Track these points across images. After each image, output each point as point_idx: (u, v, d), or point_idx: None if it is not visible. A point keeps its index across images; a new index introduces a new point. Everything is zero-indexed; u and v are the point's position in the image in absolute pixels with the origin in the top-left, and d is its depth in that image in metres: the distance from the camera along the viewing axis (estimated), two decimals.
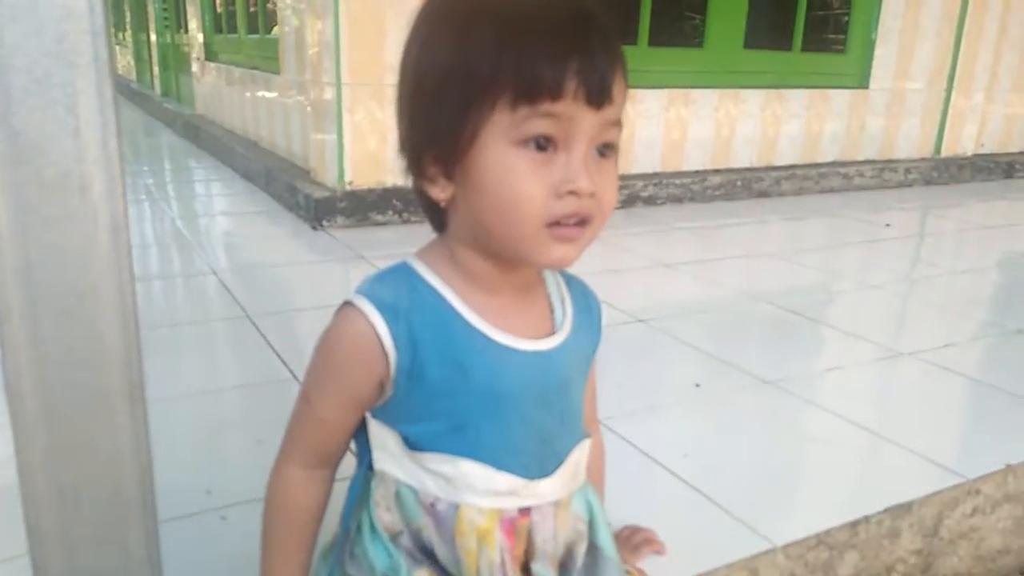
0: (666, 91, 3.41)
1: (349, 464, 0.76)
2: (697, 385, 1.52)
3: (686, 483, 1.16)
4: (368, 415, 0.70)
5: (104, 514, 0.76)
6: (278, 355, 1.60)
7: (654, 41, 3.43)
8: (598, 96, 0.59)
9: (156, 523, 0.81)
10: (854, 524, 1.08)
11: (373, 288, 0.66)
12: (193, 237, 2.62)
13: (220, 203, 3.34)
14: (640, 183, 3.28)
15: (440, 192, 0.64)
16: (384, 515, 0.70)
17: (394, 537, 0.70)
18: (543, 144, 0.59)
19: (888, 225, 3.12)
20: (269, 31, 3.86)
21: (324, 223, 2.67)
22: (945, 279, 2.41)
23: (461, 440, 0.67)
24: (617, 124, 0.63)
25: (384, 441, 0.69)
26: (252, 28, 4.22)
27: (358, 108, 2.70)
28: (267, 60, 3.72)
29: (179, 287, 2.13)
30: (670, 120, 3.46)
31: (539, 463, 0.70)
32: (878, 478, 1.22)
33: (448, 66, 0.60)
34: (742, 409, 1.44)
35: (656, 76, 3.41)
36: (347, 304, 0.66)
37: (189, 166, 4.21)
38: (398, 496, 0.69)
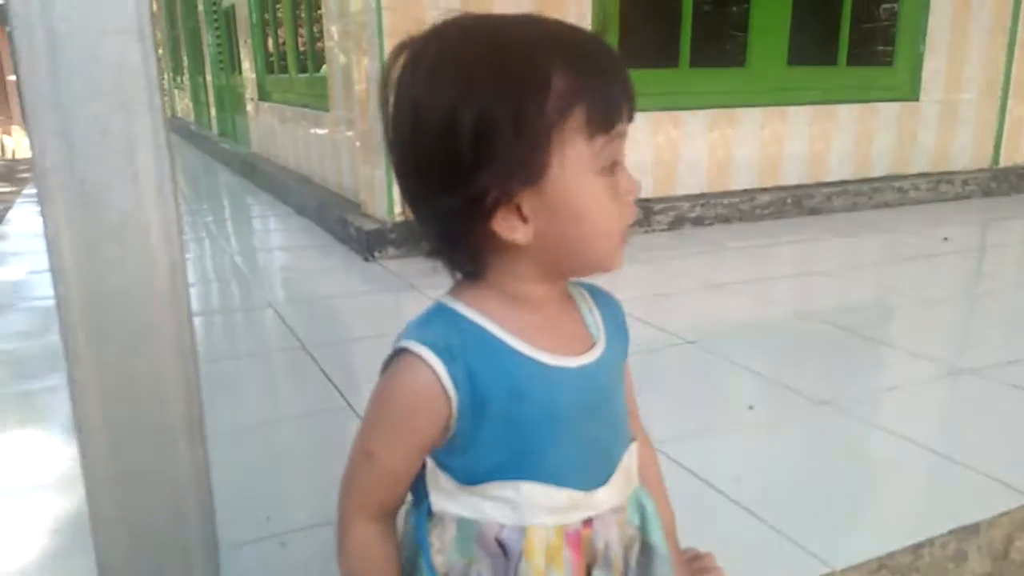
0: (709, 112, 3.40)
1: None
2: (751, 407, 1.50)
3: (740, 506, 1.14)
4: (427, 457, 0.70)
5: (167, 542, 0.78)
6: (334, 384, 1.64)
7: (695, 62, 3.43)
8: (634, 110, 0.64)
9: (216, 550, 0.84)
10: (917, 547, 1.05)
11: (423, 333, 0.65)
12: (251, 272, 2.70)
13: (276, 238, 3.44)
14: (686, 204, 3.26)
15: (522, 235, 0.62)
16: (437, 557, 0.70)
17: None
18: (614, 165, 0.63)
19: (946, 239, 3.04)
20: (318, 70, 3.98)
21: (376, 254, 2.72)
22: (1008, 293, 2.33)
23: (523, 464, 0.67)
24: None
25: (438, 481, 0.69)
26: (302, 68, 4.35)
27: None
28: (317, 98, 3.83)
29: (238, 321, 2.20)
30: (714, 140, 3.44)
31: (596, 473, 0.71)
32: (942, 499, 1.19)
33: (515, 109, 0.59)
34: (797, 430, 1.42)
35: (698, 97, 3.40)
36: (402, 352, 0.64)
37: (246, 203, 4.34)
38: (459, 530, 0.69)
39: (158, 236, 0.70)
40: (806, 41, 3.84)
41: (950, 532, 1.07)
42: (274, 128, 4.87)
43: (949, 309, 2.19)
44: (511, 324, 0.66)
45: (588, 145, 0.60)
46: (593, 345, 0.71)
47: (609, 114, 0.60)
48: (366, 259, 2.72)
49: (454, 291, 0.69)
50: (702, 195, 3.40)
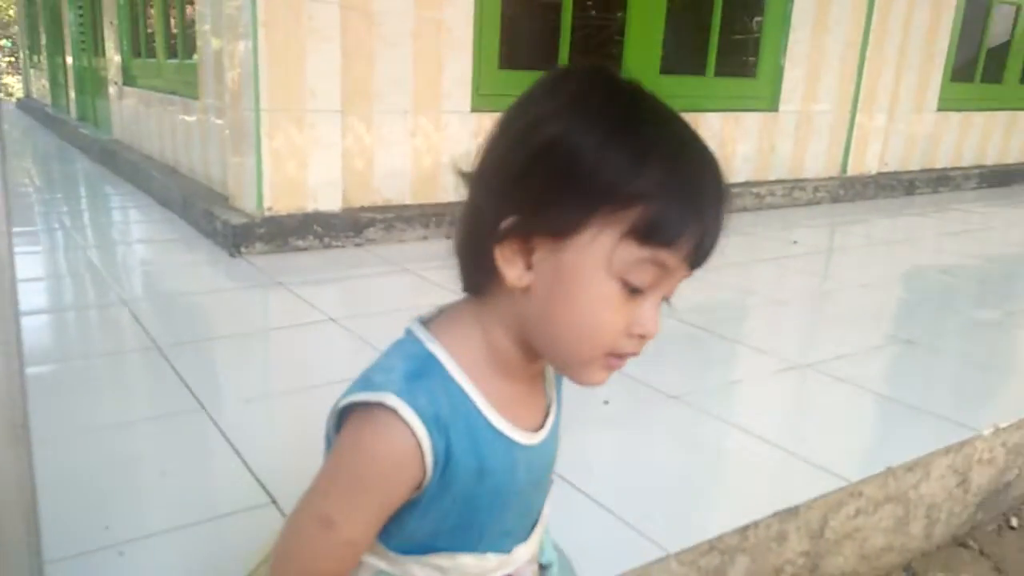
0: None
1: None
2: (606, 402, 1.56)
3: (588, 496, 1.20)
4: None
5: None
6: (187, 386, 1.59)
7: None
8: (702, 263, 0.60)
9: (41, 563, 0.80)
10: (744, 529, 1.14)
11: (412, 392, 0.59)
12: (106, 267, 2.56)
13: (136, 231, 3.27)
14: None
15: (516, 277, 0.59)
16: None
17: None
18: (636, 289, 0.59)
19: (795, 242, 3.26)
20: (189, 56, 3.81)
21: (242, 250, 2.65)
22: (846, 292, 2.54)
23: (463, 537, 0.66)
24: None
25: (371, 545, 0.66)
26: (171, 53, 4.16)
27: (277, 134, 2.70)
28: (186, 85, 3.67)
29: (89, 319, 2.09)
30: None
31: (522, 532, 0.72)
32: (767, 484, 1.29)
33: (596, 167, 0.56)
34: (647, 424, 1.50)
35: None
36: (381, 407, 0.58)
37: (105, 193, 4.11)
38: None
39: None
40: (678, 51, 4.01)
41: (773, 515, 1.17)
42: (139, 114, 4.63)
43: (794, 308, 2.35)
44: (492, 393, 0.63)
45: (620, 244, 0.56)
46: (548, 414, 0.70)
47: (662, 235, 0.56)
48: (232, 254, 2.64)
49: (445, 326, 0.65)
50: None
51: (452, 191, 3.27)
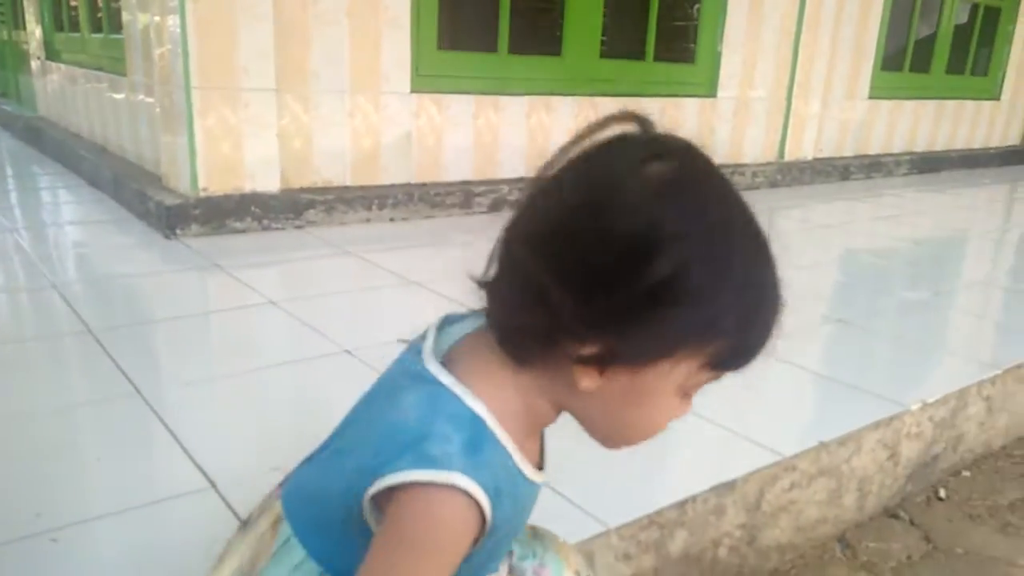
0: (528, 98, 3.50)
1: None
2: None
3: None
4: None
5: None
6: (121, 370, 1.54)
7: (514, 49, 3.51)
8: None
9: None
10: (682, 503, 1.16)
11: (476, 468, 0.58)
12: (34, 249, 2.46)
13: (65, 212, 3.15)
14: (506, 187, 3.34)
15: (589, 382, 0.59)
16: None
17: None
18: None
19: None
20: (115, 31, 3.67)
21: (178, 231, 2.57)
22: (784, 275, 2.59)
23: (480, 568, 0.68)
24: None
25: None
26: (96, 26, 3.99)
27: (209, 112, 2.62)
28: (113, 61, 3.53)
29: (17, 303, 2.00)
30: (533, 126, 3.54)
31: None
32: (706, 460, 1.31)
33: (719, 314, 0.57)
34: None
35: (517, 83, 3.48)
36: (453, 489, 0.56)
37: (31, 172, 3.94)
38: None
39: None
40: (618, 35, 4.03)
41: (711, 489, 1.19)
42: (64, 91, 4.44)
43: None
44: (524, 446, 0.63)
45: (698, 371, 0.60)
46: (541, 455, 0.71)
47: (736, 364, 0.61)
48: (167, 236, 2.56)
49: (468, 370, 0.62)
50: (521, 179, 3.50)
51: (394, 173, 3.24)
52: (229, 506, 1.11)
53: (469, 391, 0.60)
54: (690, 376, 0.60)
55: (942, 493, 1.63)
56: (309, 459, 0.72)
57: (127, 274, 2.25)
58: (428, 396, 0.60)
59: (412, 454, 0.57)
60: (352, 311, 2.03)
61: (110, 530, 1.06)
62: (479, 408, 0.60)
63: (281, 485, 0.72)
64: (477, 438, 0.59)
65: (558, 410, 0.65)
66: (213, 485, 1.16)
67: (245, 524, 0.74)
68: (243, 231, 2.68)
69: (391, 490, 0.57)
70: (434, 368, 0.61)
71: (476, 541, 0.60)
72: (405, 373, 0.64)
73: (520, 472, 0.62)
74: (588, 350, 0.57)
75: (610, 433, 0.65)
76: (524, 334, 0.60)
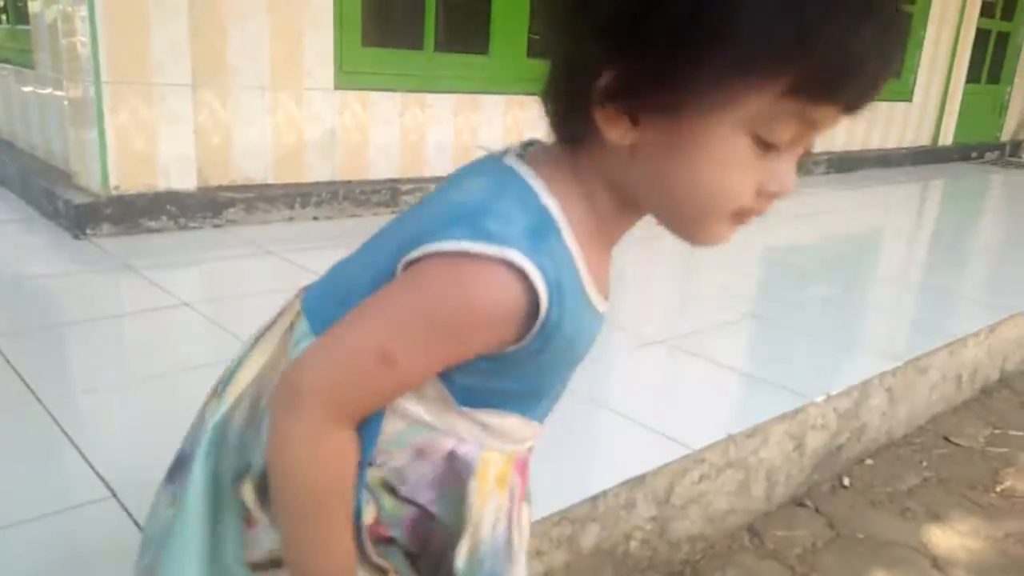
0: (455, 96, 3.49)
1: None
2: None
3: None
4: None
5: None
6: (20, 377, 1.47)
7: (441, 47, 3.49)
8: (862, 108, 0.51)
9: None
10: (593, 499, 1.18)
11: (538, 250, 0.52)
12: None
13: None
14: (433, 185, 3.33)
15: (619, 135, 0.51)
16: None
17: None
18: (770, 145, 0.51)
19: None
20: (21, 21, 3.51)
21: (88, 231, 2.47)
22: (702, 272, 2.66)
23: (522, 400, 0.61)
24: None
25: (425, 389, 0.58)
26: (2, 17, 3.81)
27: (121, 108, 2.53)
28: (20, 53, 3.38)
29: None
30: (460, 124, 3.53)
31: (550, 407, 0.68)
32: (616, 454, 1.34)
33: (752, 16, 0.46)
34: None
35: (444, 81, 3.47)
36: (504, 265, 0.51)
37: None
38: (409, 427, 0.59)
39: None
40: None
41: (621, 484, 1.21)
42: None
43: (655, 287, 2.45)
44: (587, 256, 0.56)
45: (771, 103, 0.48)
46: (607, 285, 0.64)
47: (827, 92, 0.48)
48: (76, 236, 2.46)
49: (544, 169, 0.56)
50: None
51: (318, 171, 3.18)
52: (130, 515, 1.08)
53: (546, 187, 0.55)
54: (759, 108, 0.48)
55: (846, 481, 1.70)
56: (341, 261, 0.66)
57: (32, 276, 2.16)
58: (499, 181, 0.56)
59: (467, 225, 0.52)
60: (270, 313, 1.99)
61: (5, 542, 1.01)
62: (550, 204, 0.55)
63: (305, 287, 0.67)
64: (543, 227, 0.53)
65: (623, 206, 0.57)
66: (114, 495, 1.12)
67: (262, 331, 0.69)
68: (158, 231, 2.60)
69: (429, 259, 0.52)
70: (513, 162, 0.57)
71: (520, 339, 0.54)
72: (476, 165, 0.60)
73: (584, 291, 0.56)
74: (604, 81, 0.50)
75: (678, 210, 0.54)
76: (559, 99, 0.56)
